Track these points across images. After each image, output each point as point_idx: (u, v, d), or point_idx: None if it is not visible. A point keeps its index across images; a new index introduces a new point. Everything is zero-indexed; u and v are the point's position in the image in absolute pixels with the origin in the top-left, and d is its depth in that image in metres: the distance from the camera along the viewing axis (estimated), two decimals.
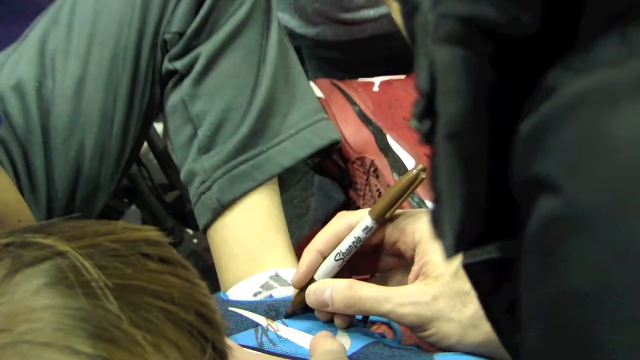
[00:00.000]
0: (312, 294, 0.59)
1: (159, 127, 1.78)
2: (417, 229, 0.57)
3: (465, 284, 0.55)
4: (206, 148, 0.73)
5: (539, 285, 0.26)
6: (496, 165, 0.28)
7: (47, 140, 0.72)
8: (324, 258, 0.60)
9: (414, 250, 0.58)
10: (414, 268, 0.58)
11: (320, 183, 1.18)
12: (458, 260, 0.30)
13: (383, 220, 0.56)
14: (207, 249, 1.76)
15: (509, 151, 0.27)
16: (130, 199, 1.83)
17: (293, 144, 0.74)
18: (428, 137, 0.29)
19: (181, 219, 1.81)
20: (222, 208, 0.72)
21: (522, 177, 0.27)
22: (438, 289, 0.55)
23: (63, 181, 0.72)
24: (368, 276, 0.63)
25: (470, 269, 0.31)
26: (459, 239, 0.28)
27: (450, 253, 0.29)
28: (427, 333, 0.56)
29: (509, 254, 0.29)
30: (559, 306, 0.25)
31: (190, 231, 1.80)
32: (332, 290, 0.58)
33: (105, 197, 0.78)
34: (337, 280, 0.58)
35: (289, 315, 0.63)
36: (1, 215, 0.64)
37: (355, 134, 0.76)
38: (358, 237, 0.57)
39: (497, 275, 0.30)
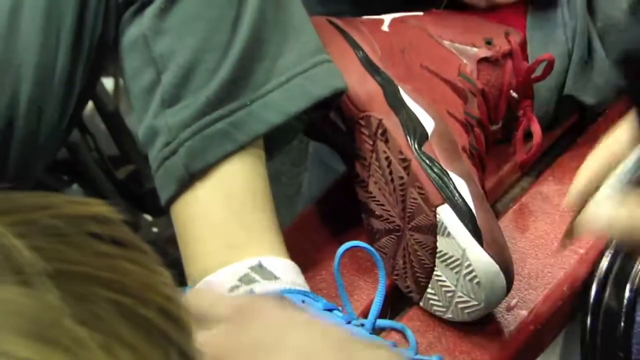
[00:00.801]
0: (587, 220, 0.61)
1: (108, 83, 1.78)
2: None
3: None
4: (172, 99, 0.72)
5: None
6: None
7: None
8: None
9: None
10: None
11: (317, 149, 1.18)
12: None
13: None
14: (170, 240, 1.75)
15: None
16: (72, 175, 1.83)
17: (284, 95, 0.73)
18: None
19: (137, 202, 1.81)
20: (190, 178, 0.71)
21: None
22: None
23: None
24: None
25: None
26: None
27: None
28: None
29: None
30: None
31: (148, 217, 1.80)
32: (610, 216, 0.60)
33: (43, 163, 0.77)
34: (616, 207, 0.60)
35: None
36: None
37: (358, 87, 0.76)
38: None
39: None
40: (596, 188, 0.61)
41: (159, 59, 0.73)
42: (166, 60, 0.72)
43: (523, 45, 0.81)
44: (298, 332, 0.56)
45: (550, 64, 0.79)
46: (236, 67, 0.72)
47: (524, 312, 0.73)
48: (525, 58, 0.82)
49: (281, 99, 0.73)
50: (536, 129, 0.80)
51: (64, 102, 0.75)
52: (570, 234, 0.64)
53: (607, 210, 0.60)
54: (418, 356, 0.63)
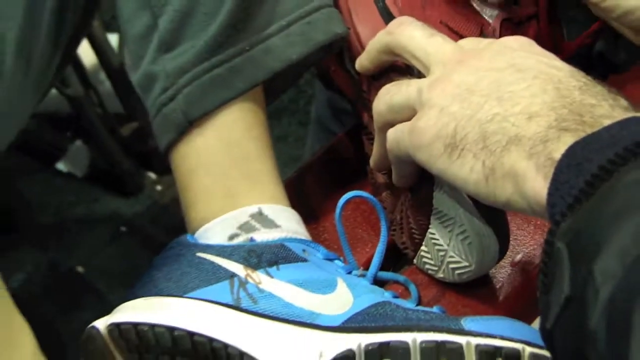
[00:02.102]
0: None
1: (112, 38, 1.76)
2: None
3: None
4: (169, 44, 0.71)
5: None
6: None
7: None
8: None
9: None
10: None
11: (319, 113, 1.18)
12: None
13: None
14: (174, 199, 1.77)
15: None
16: (76, 132, 1.83)
17: (284, 40, 0.72)
18: None
19: (141, 159, 1.81)
20: (189, 125, 0.71)
21: None
22: None
23: None
24: None
25: None
26: None
27: None
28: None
29: None
30: None
31: (152, 175, 1.80)
32: None
33: (31, 109, 0.76)
34: None
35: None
36: None
37: (373, 37, 0.75)
38: None
39: None
40: None
41: (155, 1, 0.72)
42: (163, 3, 0.71)
43: (550, 7, 0.79)
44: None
45: (599, 32, 0.78)
46: (235, 11, 0.71)
47: (529, 268, 0.73)
48: (554, 18, 0.80)
49: (282, 44, 0.72)
50: None
51: (54, 40, 0.74)
52: None
53: None
54: (419, 307, 0.62)
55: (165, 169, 1.84)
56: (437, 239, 0.69)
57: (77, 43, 0.79)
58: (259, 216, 0.68)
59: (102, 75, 1.78)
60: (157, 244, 1.69)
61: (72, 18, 0.74)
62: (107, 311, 0.66)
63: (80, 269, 1.65)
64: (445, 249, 0.69)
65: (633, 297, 0.40)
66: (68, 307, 1.55)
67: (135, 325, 0.62)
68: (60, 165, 1.81)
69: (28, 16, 0.71)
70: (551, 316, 0.45)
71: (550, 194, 0.48)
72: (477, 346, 0.57)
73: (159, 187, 1.78)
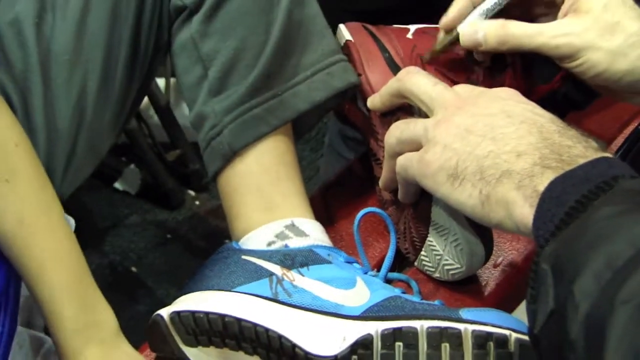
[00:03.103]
0: (466, 33, 0.69)
1: (160, 82, 1.77)
2: None
3: (614, 16, 0.64)
4: (217, 90, 0.72)
5: None
6: None
7: (47, 80, 0.70)
8: (474, 7, 0.70)
9: None
10: (564, 7, 0.67)
11: (332, 142, 1.17)
12: None
13: None
14: (210, 212, 1.76)
15: None
16: (129, 157, 1.83)
17: (309, 87, 0.73)
18: None
19: (183, 180, 1.81)
20: (233, 154, 0.71)
21: None
22: (588, 21, 0.64)
23: (64, 124, 0.71)
24: None
25: None
26: None
27: None
28: (576, 63, 0.65)
29: None
30: None
31: (192, 193, 1.80)
32: (485, 30, 0.68)
33: (110, 143, 0.77)
34: (488, 21, 0.68)
35: (428, 61, 0.73)
36: None
37: (381, 82, 0.74)
38: None
39: None
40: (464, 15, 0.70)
41: (205, 57, 0.72)
42: (212, 58, 0.72)
43: (523, 57, 0.79)
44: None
45: (566, 77, 0.78)
46: (270, 63, 0.71)
47: (508, 269, 0.73)
48: (527, 67, 0.80)
49: (307, 89, 0.73)
50: None
51: (125, 94, 0.74)
52: (441, 47, 0.72)
53: (481, 24, 0.68)
54: (424, 301, 0.62)
55: (201, 187, 1.85)
56: (434, 246, 0.69)
57: (142, 95, 0.78)
58: (292, 227, 0.69)
59: (152, 112, 1.79)
60: (196, 248, 1.70)
61: (140, 70, 0.74)
62: (156, 303, 0.65)
63: (134, 268, 1.64)
64: (441, 253, 0.69)
65: (607, 313, 0.40)
66: (124, 300, 1.54)
67: (193, 312, 0.62)
68: (118, 185, 1.80)
69: (106, 67, 0.72)
70: (538, 324, 0.45)
71: (535, 220, 0.49)
72: (474, 331, 0.57)
73: (197, 202, 1.77)
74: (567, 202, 0.47)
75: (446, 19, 0.71)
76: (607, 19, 0.64)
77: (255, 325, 0.60)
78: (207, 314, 0.61)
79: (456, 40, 0.71)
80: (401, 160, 0.64)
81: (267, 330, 0.60)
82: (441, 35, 0.73)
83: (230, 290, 0.64)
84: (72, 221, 0.68)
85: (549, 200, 0.48)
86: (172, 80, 1.75)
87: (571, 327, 0.42)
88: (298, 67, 0.73)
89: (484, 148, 0.55)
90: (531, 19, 0.71)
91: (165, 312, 0.64)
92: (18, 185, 0.59)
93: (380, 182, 0.71)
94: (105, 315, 0.64)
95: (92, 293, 0.64)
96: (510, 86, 0.67)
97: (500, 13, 0.70)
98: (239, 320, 0.60)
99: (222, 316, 0.61)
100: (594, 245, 0.43)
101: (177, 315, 0.63)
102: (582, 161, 0.50)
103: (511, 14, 0.70)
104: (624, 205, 0.45)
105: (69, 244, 0.63)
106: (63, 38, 0.70)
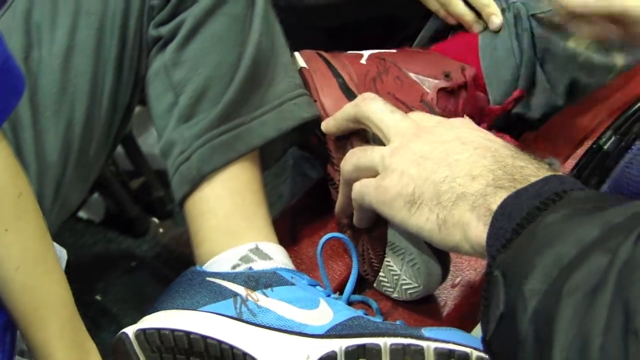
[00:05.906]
0: None
1: None
2: None
3: None
4: (187, 117, 0.73)
5: None
6: None
7: (36, 114, 0.71)
8: None
9: None
10: None
11: (296, 162, 1.18)
12: None
13: None
14: (174, 239, 1.76)
15: None
16: (93, 186, 1.82)
17: (277, 116, 0.75)
18: None
19: (147, 207, 1.81)
20: (201, 179, 0.72)
21: None
22: None
23: (53, 156, 0.72)
24: None
25: None
26: None
27: None
28: None
29: None
30: None
31: (156, 220, 1.79)
32: None
33: (95, 175, 0.78)
34: None
35: (554, 27, 0.77)
36: None
37: (335, 106, 0.76)
38: None
39: None
40: None
41: (177, 84, 0.74)
42: (183, 86, 0.74)
43: (476, 78, 0.81)
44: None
45: (519, 98, 0.79)
46: (238, 92, 0.73)
47: (466, 288, 0.74)
48: (480, 87, 0.82)
49: (275, 118, 0.75)
50: None
51: (109, 124, 0.76)
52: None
53: None
54: (386, 321, 0.64)
55: (166, 214, 1.85)
56: (392, 266, 0.70)
57: (127, 122, 0.79)
58: (256, 250, 0.70)
59: None
60: (161, 275, 1.70)
61: (123, 100, 0.76)
62: None
63: (99, 297, 1.63)
64: (398, 273, 0.70)
65: (554, 306, 0.41)
66: (90, 329, 1.52)
67: (159, 330, 0.63)
68: (81, 213, 1.79)
69: (91, 98, 0.73)
70: (490, 330, 0.46)
71: (488, 237, 0.50)
72: (436, 349, 0.57)
73: (161, 230, 1.77)
74: (520, 214, 0.48)
75: None
76: None
77: (220, 342, 0.61)
78: (172, 331, 0.62)
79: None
80: (357, 186, 0.64)
81: (232, 347, 0.61)
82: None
83: (195, 309, 0.64)
84: (64, 252, 0.69)
85: (501, 217, 0.49)
86: (136, 108, 1.75)
87: (521, 327, 0.43)
88: (266, 97, 0.75)
89: (440, 174, 0.57)
90: None
91: (130, 330, 0.64)
92: (19, 234, 0.59)
93: (337, 207, 0.72)
94: (93, 354, 0.65)
95: (81, 332, 0.64)
96: (464, 106, 0.68)
97: None
98: (204, 337, 0.61)
99: (188, 333, 0.62)
100: (542, 248, 0.44)
101: (142, 333, 0.63)
102: (534, 179, 0.51)
103: None
104: (569, 210, 0.46)
105: (62, 287, 0.63)
106: (50, 72, 0.72)
